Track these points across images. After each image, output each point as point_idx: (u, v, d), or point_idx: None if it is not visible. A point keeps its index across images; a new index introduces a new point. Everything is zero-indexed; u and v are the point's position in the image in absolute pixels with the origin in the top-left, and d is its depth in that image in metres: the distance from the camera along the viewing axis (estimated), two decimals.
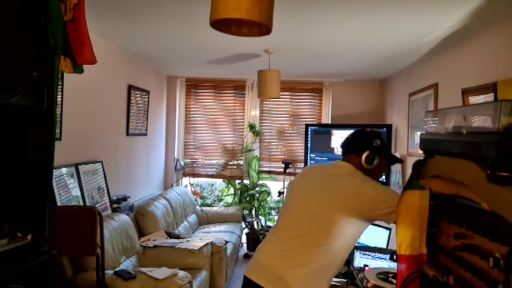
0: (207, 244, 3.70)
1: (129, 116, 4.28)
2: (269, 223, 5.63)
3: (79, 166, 3.25)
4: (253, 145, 5.68)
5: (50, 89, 1.64)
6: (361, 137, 1.86)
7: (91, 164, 3.46)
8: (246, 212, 5.63)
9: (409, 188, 1.27)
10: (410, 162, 4.04)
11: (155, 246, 3.62)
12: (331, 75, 5.26)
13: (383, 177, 4.50)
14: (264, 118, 5.77)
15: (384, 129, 4.69)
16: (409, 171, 1.36)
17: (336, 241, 1.64)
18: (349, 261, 2.44)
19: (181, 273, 2.91)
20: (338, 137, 4.89)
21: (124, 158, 4.27)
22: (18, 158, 1.65)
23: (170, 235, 4.01)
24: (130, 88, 4.28)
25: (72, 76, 2.56)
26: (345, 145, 1.88)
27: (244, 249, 5.43)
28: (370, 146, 1.78)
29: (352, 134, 1.91)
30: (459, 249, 1.06)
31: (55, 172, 2.83)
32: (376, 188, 1.67)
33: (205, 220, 5.26)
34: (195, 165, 5.90)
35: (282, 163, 5.24)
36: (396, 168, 4.40)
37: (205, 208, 5.48)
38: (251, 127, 5.64)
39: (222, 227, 4.97)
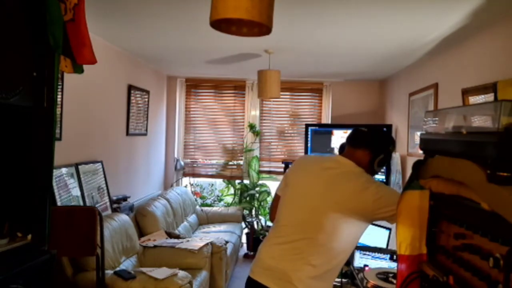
0: (207, 244, 3.70)
1: (129, 116, 4.28)
2: (269, 223, 5.63)
3: (79, 166, 3.25)
4: (253, 145, 5.68)
5: (50, 89, 1.64)
6: (380, 137, 1.79)
7: (91, 164, 3.46)
8: (246, 212, 5.63)
9: (409, 188, 1.27)
10: (410, 162, 4.04)
11: (155, 246, 3.62)
12: (331, 75, 5.26)
13: (383, 177, 4.50)
14: (264, 118, 5.77)
15: (384, 129, 4.69)
16: (409, 171, 1.35)
17: (341, 242, 1.64)
18: (349, 261, 2.45)
19: (181, 273, 2.91)
20: (338, 137, 4.89)
21: (124, 158, 4.27)
22: (18, 158, 1.65)
23: (170, 235, 4.01)
24: (130, 88, 4.28)
25: (72, 76, 2.57)
26: (359, 138, 1.78)
27: (244, 249, 5.43)
28: (387, 149, 1.75)
29: (370, 130, 1.81)
30: (459, 249, 1.06)
31: (55, 172, 2.83)
32: (380, 189, 1.63)
33: (205, 220, 5.26)
34: (195, 165, 5.90)
35: (282, 163, 5.24)
36: (396, 168, 4.40)
37: (205, 208, 5.48)
38: (251, 127, 5.64)
39: (222, 227, 4.97)
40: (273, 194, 5.60)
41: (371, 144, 1.75)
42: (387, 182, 4.48)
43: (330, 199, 1.66)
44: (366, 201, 1.60)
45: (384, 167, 4.50)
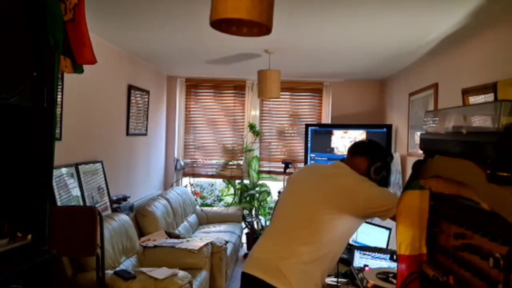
0: (207, 244, 3.70)
1: (129, 116, 4.28)
2: (269, 223, 5.62)
3: (79, 166, 3.25)
4: (253, 145, 5.68)
5: (50, 89, 1.64)
6: (377, 147, 1.91)
7: (91, 164, 3.46)
8: (246, 212, 5.63)
9: (409, 188, 1.27)
10: (410, 162, 4.04)
11: (155, 246, 3.62)
12: (331, 75, 5.26)
13: None
14: (264, 118, 5.77)
15: (384, 129, 4.69)
16: (409, 171, 1.35)
17: (328, 236, 1.68)
18: (349, 261, 2.45)
19: (181, 273, 2.91)
20: (338, 137, 4.89)
21: (124, 158, 4.27)
22: (18, 158, 1.65)
23: (170, 235, 4.01)
24: (130, 88, 4.28)
25: (72, 76, 2.57)
26: (357, 147, 1.91)
27: (244, 249, 5.43)
28: (384, 159, 1.84)
29: (368, 140, 1.98)
30: (459, 249, 1.06)
31: (55, 172, 2.83)
32: (371, 188, 1.71)
33: (205, 220, 5.26)
34: (195, 165, 5.90)
35: (282, 163, 5.24)
36: (396, 168, 4.40)
37: (205, 208, 5.48)
38: (251, 127, 5.64)
39: (222, 227, 4.97)
40: (273, 194, 5.64)
41: (369, 151, 1.86)
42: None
43: (322, 194, 1.74)
44: (358, 196, 1.67)
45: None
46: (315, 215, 1.69)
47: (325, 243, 1.68)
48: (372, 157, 1.82)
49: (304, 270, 1.65)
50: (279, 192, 5.10)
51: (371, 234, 2.83)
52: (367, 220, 2.68)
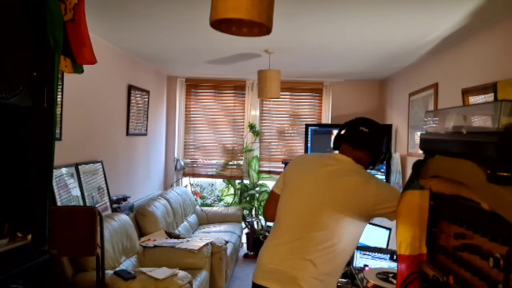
0: (207, 244, 3.70)
1: (129, 116, 4.28)
2: (269, 223, 5.62)
3: (79, 166, 3.25)
4: (253, 145, 5.68)
5: (50, 89, 1.64)
6: (380, 139, 1.79)
7: (91, 164, 3.46)
8: (246, 212, 5.63)
9: (409, 188, 1.26)
10: (410, 162, 4.04)
11: (155, 246, 3.62)
12: (331, 75, 5.26)
13: (383, 177, 4.50)
14: (264, 118, 5.77)
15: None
16: (409, 171, 1.35)
17: (341, 240, 1.63)
18: (349, 261, 2.45)
19: (181, 273, 2.91)
20: None
21: (124, 158, 4.27)
22: (18, 158, 1.65)
23: (170, 235, 4.01)
24: (130, 88, 4.28)
25: (72, 76, 2.57)
26: (360, 139, 1.76)
27: (244, 249, 5.43)
28: (387, 147, 1.77)
29: (370, 130, 1.79)
30: (459, 249, 1.06)
31: (55, 172, 2.83)
32: (380, 185, 1.65)
33: (205, 220, 5.26)
34: (195, 165, 5.90)
35: (282, 163, 5.24)
36: (396, 168, 4.40)
37: (205, 208, 5.48)
38: (251, 127, 5.64)
39: (222, 227, 4.97)
40: None
41: (373, 146, 1.77)
42: (387, 182, 4.48)
43: (329, 196, 1.66)
44: (366, 196, 1.61)
45: (385, 168, 4.52)
46: (326, 221, 1.62)
47: (337, 252, 1.63)
48: (375, 151, 1.75)
49: (323, 280, 1.62)
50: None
51: (371, 234, 2.83)
52: None
